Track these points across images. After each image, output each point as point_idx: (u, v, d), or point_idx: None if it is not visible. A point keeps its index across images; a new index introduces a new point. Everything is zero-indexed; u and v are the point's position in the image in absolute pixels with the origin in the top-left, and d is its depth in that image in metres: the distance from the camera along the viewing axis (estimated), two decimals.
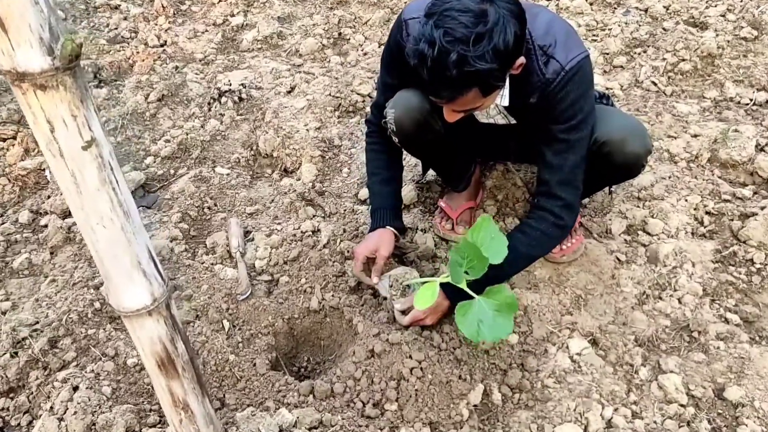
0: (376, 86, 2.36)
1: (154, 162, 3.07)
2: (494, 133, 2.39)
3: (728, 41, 3.38)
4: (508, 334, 1.78)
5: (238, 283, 2.41)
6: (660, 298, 2.32)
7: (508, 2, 1.68)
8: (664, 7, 3.71)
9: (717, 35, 3.41)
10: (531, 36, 1.87)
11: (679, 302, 2.29)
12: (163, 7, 4.14)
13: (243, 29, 4.05)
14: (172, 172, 3.02)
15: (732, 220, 2.53)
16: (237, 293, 2.37)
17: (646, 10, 3.74)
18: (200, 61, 3.78)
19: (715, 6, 3.62)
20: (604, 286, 2.38)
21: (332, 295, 2.37)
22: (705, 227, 2.54)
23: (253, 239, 2.64)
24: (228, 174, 3.00)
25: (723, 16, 3.54)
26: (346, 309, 2.31)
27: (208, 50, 3.86)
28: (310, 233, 2.64)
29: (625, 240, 2.55)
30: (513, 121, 2.23)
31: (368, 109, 2.83)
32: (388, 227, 2.29)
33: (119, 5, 4.22)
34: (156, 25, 4.03)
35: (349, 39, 3.86)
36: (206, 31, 4.03)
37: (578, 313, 2.28)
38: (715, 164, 2.77)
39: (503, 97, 1.98)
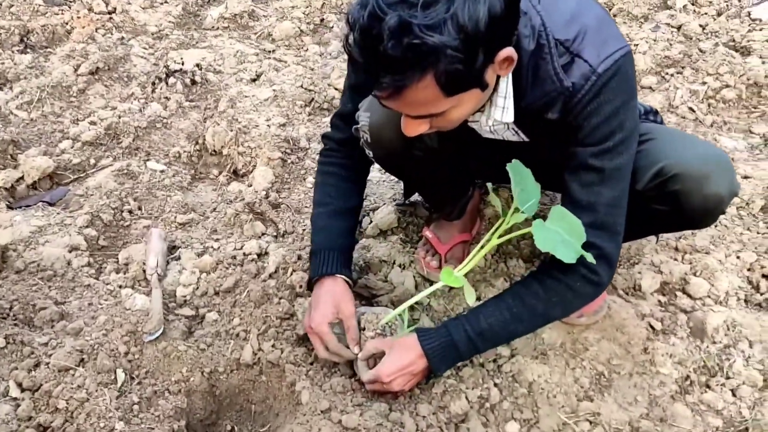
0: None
1: (72, 147, 2.43)
2: (502, 152, 1.79)
3: None
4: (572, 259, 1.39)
5: (148, 317, 1.78)
6: (708, 386, 1.75)
7: None
8: (701, 26, 3.19)
9: (763, 62, 2.89)
10: (545, 27, 1.33)
11: (734, 395, 1.72)
12: None
13: (209, 4, 3.44)
14: (92, 162, 2.39)
15: None
16: (144, 331, 1.74)
17: (678, 28, 3.21)
18: (153, 34, 3.16)
19: (760, 30, 3.11)
20: (634, 362, 1.80)
21: (272, 346, 1.76)
22: (762, 295, 1.98)
23: (179, 258, 2.02)
24: (163, 171, 2.38)
25: None
26: (288, 367, 1.70)
27: (164, 24, 3.25)
28: (255, 256, 2.03)
29: (660, 302, 1.98)
30: (526, 139, 1.64)
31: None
32: (338, 276, 1.69)
33: None
34: None
35: (333, 27, 3.28)
36: (165, 1, 3.41)
37: (600, 399, 1.70)
38: None
39: (505, 110, 1.42)
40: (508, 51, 1.23)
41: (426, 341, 1.55)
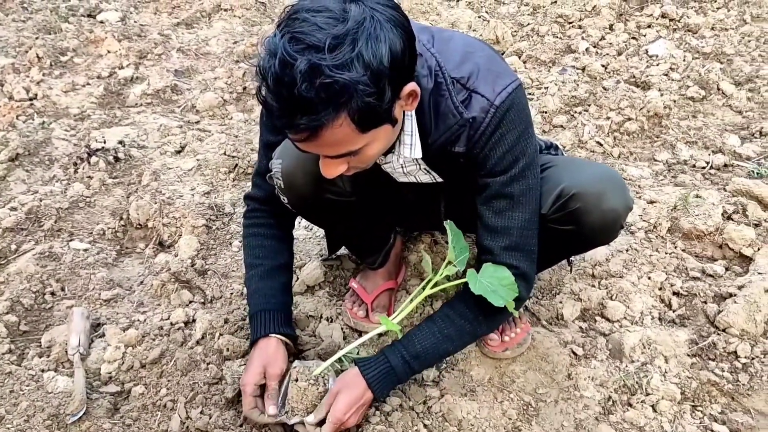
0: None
1: None
2: (418, 195, 1.88)
3: (674, 101, 3.06)
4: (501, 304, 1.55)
5: (70, 398, 1.75)
6: (630, 404, 1.80)
7: (384, 4, 1.24)
8: (602, 66, 3.40)
9: (662, 94, 3.09)
10: (441, 67, 1.45)
11: (654, 410, 1.78)
12: (38, 57, 3.54)
13: (132, 82, 3.49)
14: (13, 248, 2.36)
15: (705, 302, 2.08)
16: (66, 413, 1.71)
17: (583, 69, 3.41)
18: (75, 116, 3.18)
19: (657, 65, 3.33)
20: (559, 389, 1.85)
21: (201, 412, 1.75)
22: (674, 311, 2.07)
23: (103, 335, 2.00)
24: (86, 250, 2.36)
25: (666, 75, 3.24)
26: None
27: (86, 105, 3.27)
28: (182, 325, 2.02)
29: (581, 328, 2.05)
30: (440, 179, 1.73)
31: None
32: (273, 335, 1.74)
33: None
34: (27, 77, 3.42)
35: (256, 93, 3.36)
36: (87, 84, 3.45)
37: (528, 428, 1.74)
38: (677, 235, 2.34)
39: (413, 147, 1.51)
40: (412, 86, 1.32)
41: (367, 370, 1.62)
